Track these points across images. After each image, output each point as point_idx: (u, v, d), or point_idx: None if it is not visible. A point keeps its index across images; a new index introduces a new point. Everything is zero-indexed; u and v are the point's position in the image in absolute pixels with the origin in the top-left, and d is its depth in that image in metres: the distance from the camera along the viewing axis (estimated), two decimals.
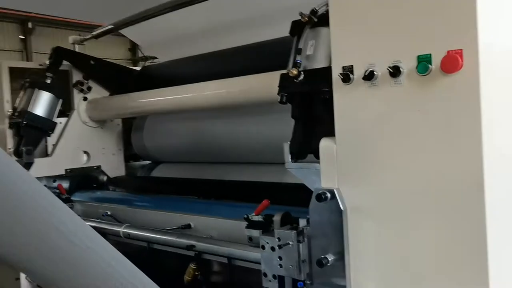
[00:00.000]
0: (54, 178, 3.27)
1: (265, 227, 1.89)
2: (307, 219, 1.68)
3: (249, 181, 2.60)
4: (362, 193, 1.46)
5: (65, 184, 3.31)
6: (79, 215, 2.96)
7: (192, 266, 2.19)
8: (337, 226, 1.50)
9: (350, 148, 1.47)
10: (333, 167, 1.52)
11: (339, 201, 1.49)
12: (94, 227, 2.61)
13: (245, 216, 1.95)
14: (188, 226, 2.28)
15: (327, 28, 1.55)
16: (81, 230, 0.85)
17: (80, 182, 3.39)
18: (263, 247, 1.77)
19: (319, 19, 1.64)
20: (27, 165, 2.99)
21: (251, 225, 1.93)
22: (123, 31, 3.36)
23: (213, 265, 2.24)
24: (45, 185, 3.14)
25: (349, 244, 1.49)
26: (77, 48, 3.48)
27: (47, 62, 3.14)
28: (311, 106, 1.63)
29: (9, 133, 3.05)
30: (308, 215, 1.63)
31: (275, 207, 2.04)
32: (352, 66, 1.44)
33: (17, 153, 2.96)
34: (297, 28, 1.72)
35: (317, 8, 1.64)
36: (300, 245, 1.62)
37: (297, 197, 2.26)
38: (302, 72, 1.61)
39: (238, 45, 2.95)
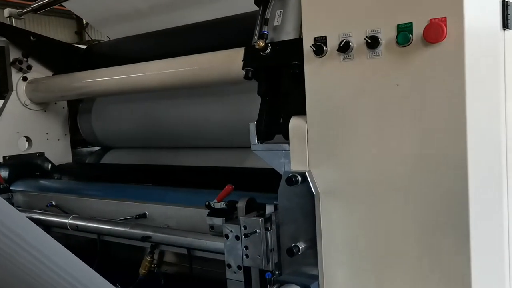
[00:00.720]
0: None
1: (229, 214, 1.75)
2: (274, 205, 1.56)
3: (208, 167, 2.45)
4: (336, 176, 1.35)
5: (4, 173, 3.01)
6: (19, 206, 2.72)
7: (148, 258, 2.03)
8: (308, 211, 1.38)
9: (323, 127, 1.35)
10: (304, 148, 1.40)
11: (311, 185, 1.37)
12: (37, 220, 2.40)
13: (206, 203, 1.79)
14: (143, 216, 2.10)
15: None
16: None
17: (21, 171, 3.09)
18: (226, 236, 1.63)
19: None
20: None
21: (213, 212, 1.78)
22: (68, 5, 3.07)
23: (170, 257, 2.09)
24: None
25: (322, 230, 1.38)
26: (15, 24, 3.15)
27: None
28: (279, 82, 1.50)
29: None
30: (275, 201, 1.51)
31: (237, 193, 1.91)
32: (325, 36, 1.31)
33: None
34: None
35: None
36: (268, 233, 1.50)
37: (260, 182, 2.16)
38: (269, 45, 1.46)
39: (193, 22, 2.76)
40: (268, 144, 1.52)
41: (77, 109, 3.35)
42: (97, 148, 3.48)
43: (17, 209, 2.61)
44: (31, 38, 3.07)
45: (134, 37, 2.99)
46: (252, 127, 1.52)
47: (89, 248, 2.54)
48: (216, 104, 2.55)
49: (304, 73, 1.37)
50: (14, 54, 3.03)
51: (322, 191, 1.37)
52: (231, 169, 2.35)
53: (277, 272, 1.51)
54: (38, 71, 3.15)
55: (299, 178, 1.39)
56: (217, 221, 1.75)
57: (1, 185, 2.67)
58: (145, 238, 1.91)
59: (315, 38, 1.32)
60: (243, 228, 1.53)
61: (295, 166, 1.42)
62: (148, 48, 2.81)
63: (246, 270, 1.62)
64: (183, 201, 2.08)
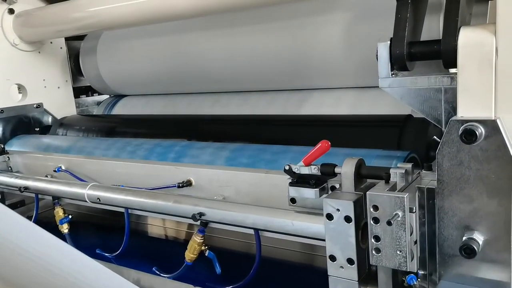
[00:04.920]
0: None
1: (323, 183, 1.21)
2: (406, 170, 1.02)
3: (266, 115, 1.88)
4: None
5: None
6: (18, 171, 2.17)
7: (197, 239, 1.50)
8: (496, 183, 0.84)
9: None
10: (489, 80, 0.83)
11: (507, 141, 0.82)
12: (45, 190, 1.85)
13: (287, 166, 1.24)
14: (187, 183, 1.55)
15: None
16: None
17: (16, 126, 2.53)
18: (329, 217, 1.10)
19: None
20: None
21: (299, 180, 1.23)
22: None
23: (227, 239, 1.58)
24: None
25: None
26: None
27: None
28: None
29: None
30: (399, 163, 0.98)
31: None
32: None
33: None
34: None
35: None
36: (413, 215, 0.96)
37: (345, 133, 1.61)
38: None
39: None
40: (409, 76, 0.95)
41: (78, 48, 2.73)
42: (105, 96, 2.90)
43: (18, 175, 2.09)
44: None
45: None
46: (384, 48, 0.94)
47: (108, 222, 2.04)
48: (267, 33, 1.94)
49: None
50: None
51: None
52: (297, 118, 1.79)
53: (421, 273, 1.00)
54: (27, 1, 2.51)
55: (482, 130, 0.83)
56: (309, 193, 1.21)
57: None
58: (197, 216, 1.38)
59: None
60: (371, 209, 0.98)
61: (470, 110, 0.86)
62: None
63: (361, 265, 1.11)
64: (241, 162, 1.52)
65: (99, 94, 2.97)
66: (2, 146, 2.16)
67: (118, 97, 2.75)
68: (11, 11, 2.46)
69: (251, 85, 2.11)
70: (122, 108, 2.63)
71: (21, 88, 2.58)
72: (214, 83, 2.17)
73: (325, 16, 1.81)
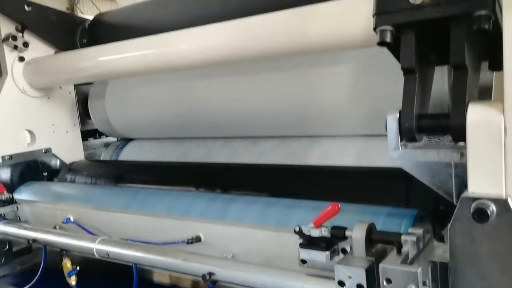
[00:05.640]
0: None
1: (333, 246, 1.21)
2: (418, 236, 1.02)
3: (277, 165, 1.89)
4: None
5: (5, 176, 2.46)
6: (26, 221, 2.17)
7: None
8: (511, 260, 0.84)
9: None
10: (498, 157, 0.84)
11: None
12: (54, 243, 1.83)
13: (297, 228, 1.25)
14: (197, 239, 1.55)
15: None
16: None
17: (25, 172, 2.54)
18: (341, 284, 1.09)
19: None
20: None
21: (309, 242, 1.23)
22: None
23: None
24: None
25: None
26: None
27: None
28: (442, 50, 0.92)
29: None
30: (410, 228, 0.98)
31: (320, 203, 1.39)
32: None
33: None
34: None
35: None
36: None
37: (353, 186, 1.61)
38: None
39: None
40: (419, 148, 0.96)
41: (87, 93, 2.78)
42: (113, 138, 2.93)
43: (26, 226, 2.08)
44: (26, 7, 2.46)
45: (155, 0, 2.38)
46: (393, 121, 0.96)
47: (116, 270, 2.02)
48: (275, 81, 1.97)
49: (502, 31, 0.80)
50: (6, 28, 2.43)
51: None
52: (305, 169, 1.80)
53: None
54: (37, 49, 2.56)
55: (494, 208, 0.84)
56: (319, 256, 1.21)
57: (3, 196, 2.12)
58: (207, 276, 1.37)
59: None
60: (384, 283, 0.98)
61: (481, 187, 0.86)
62: (178, 14, 2.20)
63: None
64: (250, 217, 1.53)
65: (106, 136, 2.99)
66: (11, 196, 2.17)
67: (125, 140, 2.77)
68: (21, 59, 2.51)
69: (259, 131, 2.13)
70: (129, 153, 2.65)
71: (30, 134, 2.61)
72: (221, 128, 2.19)
73: (331, 68, 1.84)
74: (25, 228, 1.94)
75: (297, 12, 1.59)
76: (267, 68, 1.96)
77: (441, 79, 1.41)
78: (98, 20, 2.70)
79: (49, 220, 2.01)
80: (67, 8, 20.84)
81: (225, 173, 1.97)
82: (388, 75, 1.65)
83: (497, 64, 0.88)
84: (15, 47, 2.43)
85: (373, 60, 1.75)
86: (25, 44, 2.45)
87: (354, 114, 1.85)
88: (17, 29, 2.42)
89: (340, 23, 1.47)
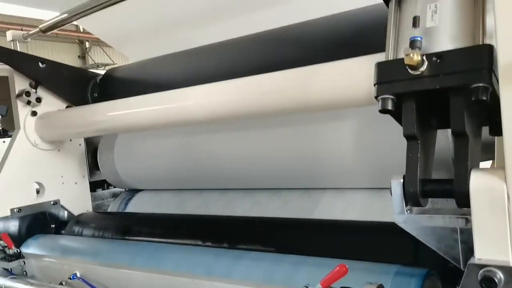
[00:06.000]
0: None
1: None
2: None
3: (282, 219, 1.89)
4: None
5: (13, 228, 2.47)
6: (33, 275, 2.16)
7: None
8: None
9: None
10: (503, 224, 0.85)
11: None
12: None
13: None
14: None
15: None
16: None
17: (33, 225, 2.55)
18: None
19: None
20: None
21: None
22: (82, 23, 2.55)
23: None
24: None
25: None
26: (20, 48, 2.64)
27: None
28: (443, 115, 0.95)
29: None
30: None
31: (326, 261, 1.38)
32: None
33: None
34: None
35: None
36: None
37: (366, 245, 1.61)
38: (425, 59, 0.92)
39: (238, 36, 2.25)
40: (424, 213, 0.97)
41: (96, 145, 2.83)
42: (120, 189, 2.96)
43: (33, 281, 2.08)
44: (40, 64, 2.55)
45: (162, 58, 2.47)
46: (397, 186, 0.97)
47: None
48: (278, 136, 2.01)
49: (500, 102, 0.83)
50: (20, 84, 2.52)
51: None
52: (310, 222, 1.80)
53: None
54: (49, 104, 2.63)
55: (501, 275, 0.84)
56: None
57: (11, 251, 2.12)
58: None
59: None
60: None
61: (487, 253, 0.87)
62: (186, 70, 2.28)
63: None
64: (258, 275, 1.52)
65: (114, 187, 3.02)
66: (19, 251, 2.17)
67: (133, 191, 2.80)
68: (33, 113, 2.58)
69: (263, 184, 2.15)
70: (137, 204, 2.66)
71: (39, 186, 2.64)
72: (226, 181, 2.22)
73: (334, 123, 1.88)
74: (32, 284, 1.93)
75: (301, 71, 1.65)
76: (269, 124, 2.01)
77: (445, 137, 1.44)
78: (109, 75, 2.79)
79: (56, 275, 2.01)
80: (79, 56, 21.50)
81: (231, 226, 1.97)
82: (392, 129, 1.68)
83: (497, 130, 0.90)
84: (28, 103, 2.50)
85: (376, 115, 1.78)
86: (38, 100, 2.53)
87: (358, 167, 1.87)
88: (31, 85, 2.50)
89: (343, 82, 1.52)
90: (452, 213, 0.92)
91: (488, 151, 1.23)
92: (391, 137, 1.71)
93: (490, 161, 1.53)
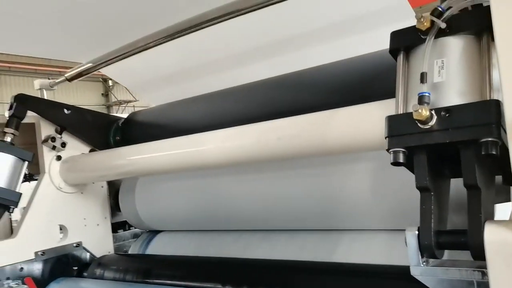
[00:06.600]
0: (21, 265, 2.48)
1: None
2: None
3: (303, 262, 1.89)
4: None
5: (36, 271, 2.52)
6: None
7: None
8: None
9: None
10: None
11: None
12: None
13: None
14: None
15: (467, 37, 0.93)
16: None
17: (55, 266, 2.60)
18: None
19: (452, 24, 1.00)
20: None
21: None
22: (105, 71, 2.67)
23: None
24: (8, 278, 2.42)
25: None
26: (46, 95, 2.77)
27: (6, 114, 2.41)
28: (455, 166, 0.97)
29: None
30: None
31: None
32: None
33: None
34: (404, 41, 1.07)
35: (444, 7, 1.00)
36: None
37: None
38: (434, 113, 0.95)
39: (256, 80, 2.31)
40: (440, 266, 0.97)
41: (118, 186, 2.89)
42: (140, 230, 2.99)
43: None
44: (65, 110, 2.66)
45: (183, 102, 2.55)
46: (412, 238, 0.98)
47: None
48: (296, 178, 2.03)
49: (510, 154, 0.84)
50: (46, 130, 2.62)
51: None
52: (330, 266, 1.80)
53: None
54: (73, 148, 2.72)
55: None
56: None
57: None
58: None
59: None
60: None
61: None
62: (205, 114, 2.35)
63: None
64: None
65: (135, 228, 3.06)
66: None
67: (153, 232, 2.83)
68: (58, 158, 2.67)
69: (282, 225, 2.16)
70: (157, 245, 2.69)
71: (62, 229, 2.70)
72: (244, 223, 2.24)
73: (353, 164, 1.90)
74: None
75: (317, 116, 1.69)
76: (287, 166, 2.04)
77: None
78: (130, 119, 2.88)
79: None
80: (102, 94, 22.13)
81: (252, 270, 1.98)
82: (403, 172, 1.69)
83: (510, 180, 0.91)
84: (54, 148, 2.59)
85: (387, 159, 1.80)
86: (63, 144, 2.62)
87: (378, 208, 1.87)
88: (56, 131, 2.60)
89: (359, 127, 1.54)
90: (469, 266, 0.92)
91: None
92: (411, 177, 1.72)
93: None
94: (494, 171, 1.00)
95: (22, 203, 2.49)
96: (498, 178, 1.14)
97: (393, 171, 1.82)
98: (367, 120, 1.49)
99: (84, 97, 18.62)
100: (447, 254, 1.04)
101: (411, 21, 1.04)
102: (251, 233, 2.30)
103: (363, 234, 1.98)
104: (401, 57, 1.07)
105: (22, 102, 2.44)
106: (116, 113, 21.15)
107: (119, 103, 21.83)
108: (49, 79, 2.78)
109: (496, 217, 1.02)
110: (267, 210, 2.12)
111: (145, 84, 2.87)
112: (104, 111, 21.58)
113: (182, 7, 1.98)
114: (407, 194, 1.76)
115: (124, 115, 2.96)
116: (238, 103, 2.28)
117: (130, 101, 20.93)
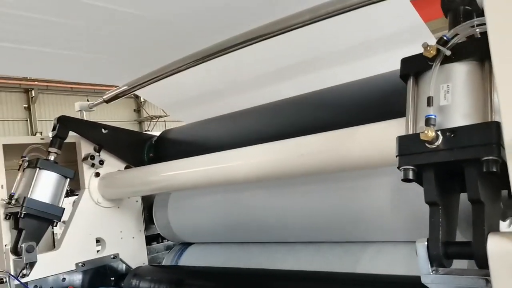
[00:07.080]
0: (63, 276, 2.65)
1: None
2: None
3: (331, 273, 1.98)
4: None
5: (77, 282, 2.69)
6: None
7: None
8: None
9: None
10: None
11: None
12: None
13: None
14: None
15: (471, 63, 1.02)
16: None
17: (94, 277, 2.76)
18: None
19: (457, 52, 1.09)
20: (30, 265, 2.39)
21: None
22: (141, 93, 2.85)
23: None
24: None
25: None
26: (85, 116, 2.97)
27: (50, 135, 2.61)
28: (463, 182, 1.05)
29: (5, 226, 2.47)
30: None
31: None
32: None
33: (16, 251, 2.36)
34: (413, 67, 1.17)
35: (448, 37, 1.10)
36: None
37: None
38: (440, 134, 1.04)
39: (280, 99, 2.43)
40: (449, 274, 1.05)
41: (152, 201, 3.05)
42: (172, 242, 3.13)
43: None
44: (103, 130, 2.85)
45: (213, 120, 2.69)
46: (422, 248, 1.07)
47: None
48: (321, 192, 2.13)
49: (508, 172, 0.92)
50: (86, 149, 2.81)
51: None
52: (351, 276, 1.87)
53: None
54: (110, 165, 2.90)
55: None
56: None
57: None
58: None
59: None
60: None
61: None
62: (232, 131, 2.48)
63: None
64: None
65: (168, 240, 3.20)
66: None
67: (185, 244, 2.96)
68: (97, 175, 2.85)
69: (306, 237, 2.25)
70: (189, 257, 2.82)
71: (100, 241, 2.87)
72: (269, 235, 2.34)
73: (377, 178, 1.98)
74: None
75: (337, 133, 1.79)
76: (313, 181, 2.14)
77: None
78: (162, 137, 3.05)
79: None
80: (134, 110, 22.69)
81: (280, 281, 2.07)
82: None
83: None
84: (93, 165, 2.78)
85: None
86: (101, 162, 2.80)
87: (398, 221, 1.94)
88: (95, 149, 2.79)
89: (378, 143, 1.63)
90: (475, 274, 0.99)
91: None
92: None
93: None
94: (499, 186, 1.08)
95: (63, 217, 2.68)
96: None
97: (414, 184, 1.91)
98: (385, 137, 1.58)
99: (118, 113, 19.15)
100: (459, 264, 1.12)
101: (428, 41, 1.14)
102: (277, 245, 2.39)
103: (387, 246, 2.04)
104: (410, 82, 1.16)
105: (64, 124, 2.64)
106: (148, 127, 21.69)
107: (151, 118, 22.36)
108: (87, 100, 2.98)
109: None
110: (292, 223, 2.21)
111: (176, 103, 3.03)
112: (136, 126, 22.19)
113: (210, 34, 2.13)
114: (427, 206, 1.84)
115: (157, 133, 3.13)
116: (263, 121, 2.40)
117: (161, 116, 21.40)
